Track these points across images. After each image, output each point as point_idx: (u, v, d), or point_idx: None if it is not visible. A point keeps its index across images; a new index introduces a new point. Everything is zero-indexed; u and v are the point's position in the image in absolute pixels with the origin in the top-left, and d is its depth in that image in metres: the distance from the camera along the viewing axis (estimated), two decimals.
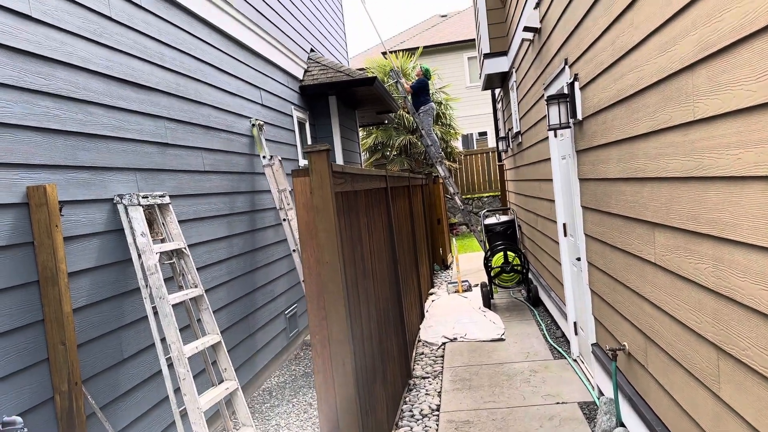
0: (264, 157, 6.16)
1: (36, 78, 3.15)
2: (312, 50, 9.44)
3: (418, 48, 18.93)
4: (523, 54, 6.76)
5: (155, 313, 3.70)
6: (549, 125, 4.23)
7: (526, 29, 5.51)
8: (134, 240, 3.69)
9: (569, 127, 4.21)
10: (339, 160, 9.20)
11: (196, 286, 4.08)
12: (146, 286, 3.69)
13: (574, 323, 5.29)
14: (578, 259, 4.66)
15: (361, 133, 17.21)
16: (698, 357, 2.38)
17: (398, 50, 19.51)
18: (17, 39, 3.03)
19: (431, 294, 9.24)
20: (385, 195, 5.29)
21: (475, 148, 23.12)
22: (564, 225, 5.27)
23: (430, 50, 22.61)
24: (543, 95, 5.41)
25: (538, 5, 5.26)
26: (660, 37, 2.41)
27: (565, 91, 4.24)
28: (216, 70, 5.57)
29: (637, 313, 3.18)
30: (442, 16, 29.45)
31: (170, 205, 4.04)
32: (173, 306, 3.85)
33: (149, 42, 4.37)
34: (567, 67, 4.29)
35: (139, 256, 3.69)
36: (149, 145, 4.21)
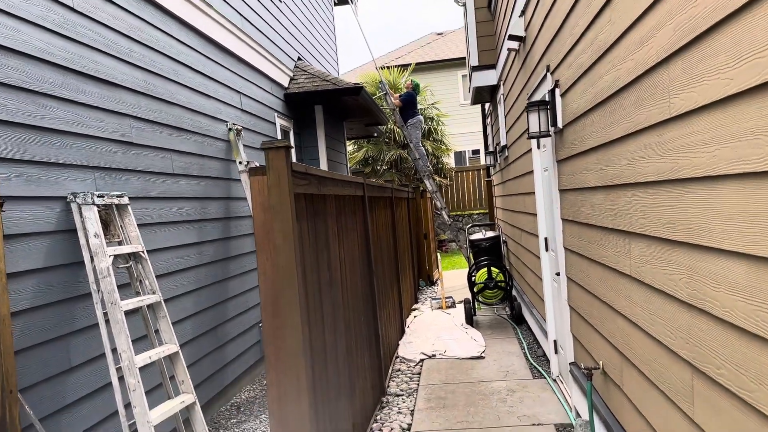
0: (240, 162, 5.98)
1: None
2: (299, 58, 9.31)
3: (410, 64, 18.90)
4: (510, 65, 6.64)
5: (107, 321, 3.48)
6: (529, 133, 4.07)
7: (511, 38, 5.38)
8: (87, 241, 3.49)
9: (549, 135, 4.06)
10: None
11: (153, 293, 3.87)
12: (98, 290, 3.48)
13: (554, 341, 5.09)
14: (557, 274, 4.48)
15: (351, 147, 17.08)
16: (673, 377, 2.19)
17: (392, 66, 19.46)
18: None
19: (414, 309, 9.02)
20: (362, 203, 5.11)
21: (468, 165, 23.02)
22: (546, 239, 5.10)
23: (424, 67, 22.59)
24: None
25: (523, 12, 5.14)
26: (638, 31, 2.25)
27: (547, 98, 4.09)
28: (191, 71, 5.40)
29: (613, 330, 3.00)
30: (438, 34, 29.53)
31: (129, 207, 3.84)
32: (127, 313, 3.65)
33: (116, 37, 4.20)
34: (549, 74, 4.15)
35: (92, 258, 3.48)
36: (111, 143, 4.02)
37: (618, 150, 2.62)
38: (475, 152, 23.72)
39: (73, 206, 3.51)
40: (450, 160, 20.83)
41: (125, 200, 3.82)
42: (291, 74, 8.72)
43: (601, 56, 2.78)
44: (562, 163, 3.92)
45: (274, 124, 7.77)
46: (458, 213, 18.19)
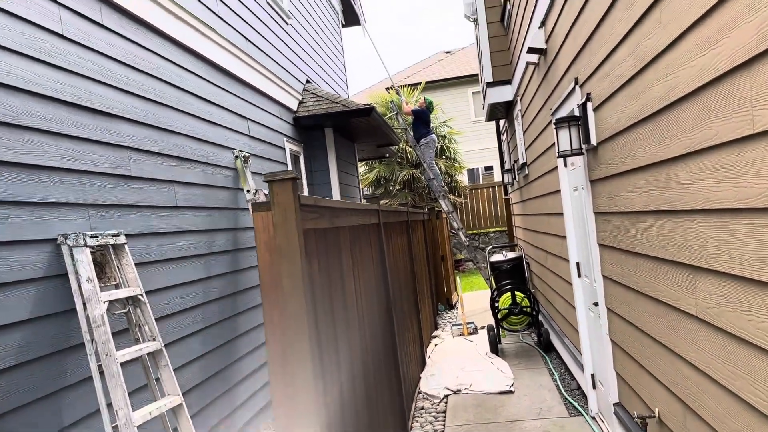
0: (248, 191, 5.68)
1: None
2: (308, 81, 9.07)
3: (420, 83, 18.69)
4: (528, 80, 6.32)
5: (101, 373, 3.15)
6: (559, 152, 3.73)
7: (531, 50, 5.06)
8: (79, 287, 3.17)
9: (581, 153, 3.71)
10: (335, 194, 8.73)
11: (154, 339, 3.54)
12: (92, 341, 3.15)
13: (592, 375, 4.68)
14: (595, 304, 4.09)
15: (363, 168, 16.82)
16: None
17: (402, 85, 19.26)
18: None
19: (434, 337, 8.62)
20: (377, 231, 4.78)
21: (481, 182, 22.67)
22: (578, 264, 4.72)
23: (434, 85, 22.40)
24: (550, 121, 4.92)
25: (543, 24, 4.82)
26: (701, 32, 1.91)
27: (577, 113, 3.75)
28: (195, 98, 5.14)
29: (672, 375, 2.61)
30: (447, 53, 29.39)
31: (126, 246, 3.53)
32: (125, 363, 3.32)
33: (111, 64, 3.94)
34: (578, 86, 3.81)
35: (85, 305, 3.17)
36: (107, 177, 3.73)
37: (675, 170, 2.27)
38: (488, 168, 23.37)
39: (64, 249, 3.20)
40: (463, 178, 20.48)
41: (122, 239, 3.52)
42: (300, 97, 8.47)
43: (647, 64, 2.45)
44: (598, 184, 3.56)
45: (284, 149, 7.49)
46: (474, 232, 17.80)
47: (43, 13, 3.33)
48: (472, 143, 21.76)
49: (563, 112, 4.38)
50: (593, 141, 3.50)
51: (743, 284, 1.83)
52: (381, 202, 16.14)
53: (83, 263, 3.18)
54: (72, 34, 3.57)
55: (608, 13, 2.93)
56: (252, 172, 6.09)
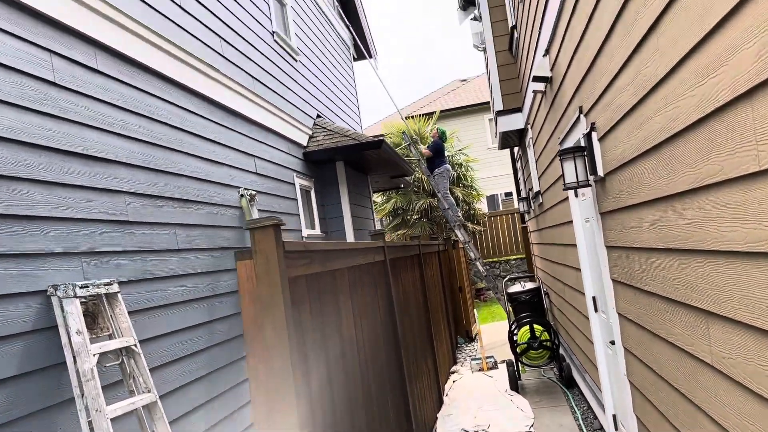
0: None
1: None
2: (318, 116, 9.06)
3: (435, 112, 18.67)
4: (537, 108, 6.19)
5: (91, 430, 3.03)
6: (565, 184, 3.57)
7: (536, 79, 4.94)
8: (69, 339, 3.07)
9: (589, 185, 3.54)
10: (348, 227, 8.63)
11: (148, 391, 3.41)
12: (82, 396, 3.04)
13: (614, 416, 4.43)
14: (612, 342, 3.87)
15: (380, 198, 16.74)
16: None
17: (417, 115, 19.26)
18: None
19: (453, 372, 8.37)
20: (383, 269, 4.63)
21: (501, 209, 22.42)
22: (594, 299, 4.51)
23: (450, 113, 22.40)
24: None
25: (547, 51, 4.71)
26: (699, 59, 1.77)
27: (582, 143, 3.60)
28: (198, 138, 5.10)
29: (693, 427, 2.40)
30: (462, 81, 29.46)
31: (119, 294, 3.43)
32: (119, 417, 3.20)
33: (107, 109, 3.91)
34: (582, 116, 3.67)
35: (75, 359, 3.06)
36: (102, 224, 3.67)
37: (682, 207, 2.10)
38: (508, 194, 23.12)
39: (54, 300, 3.12)
40: (482, 206, 20.27)
41: (114, 287, 3.42)
42: (310, 132, 8.45)
43: (647, 93, 2.30)
44: (608, 216, 3.39)
45: (293, 185, 7.43)
46: (494, 259, 17.50)
47: (33, 62, 3.31)
48: (490, 170, 21.60)
49: (570, 142, 4.23)
50: (600, 172, 3.34)
51: (758, 335, 1.64)
52: (398, 232, 16.00)
53: (73, 315, 3.09)
54: (65, 81, 3.55)
55: (607, 39, 2.80)
56: (259, 210, 6.02)
